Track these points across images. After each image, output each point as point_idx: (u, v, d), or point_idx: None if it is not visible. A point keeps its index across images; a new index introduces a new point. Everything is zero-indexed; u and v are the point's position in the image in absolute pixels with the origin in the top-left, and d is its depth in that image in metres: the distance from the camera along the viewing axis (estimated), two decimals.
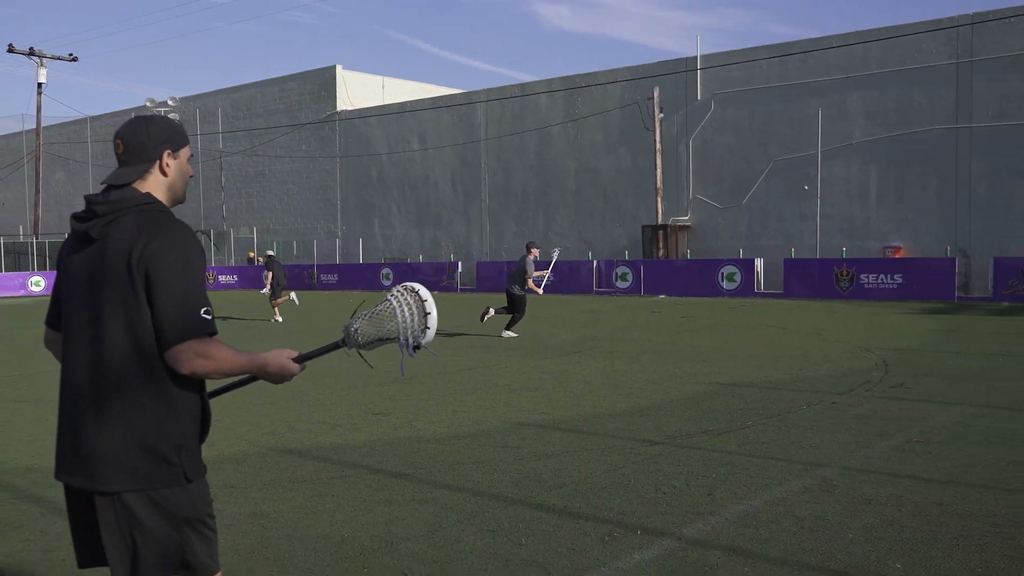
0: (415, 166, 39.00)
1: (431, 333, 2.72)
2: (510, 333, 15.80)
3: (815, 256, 27.14)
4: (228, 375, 2.53)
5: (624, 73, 32.58)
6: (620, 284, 29.47)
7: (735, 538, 4.67)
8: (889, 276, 23.86)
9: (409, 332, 2.68)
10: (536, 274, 16.09)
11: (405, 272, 35.28)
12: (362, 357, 2.90)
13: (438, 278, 34.35)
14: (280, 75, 44.53)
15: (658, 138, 30.77)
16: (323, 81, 42.17)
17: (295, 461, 6.67)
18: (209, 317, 2.47)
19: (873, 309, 20.91)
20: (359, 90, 42.28)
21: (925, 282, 23.20)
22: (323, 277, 38.37)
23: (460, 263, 34.39)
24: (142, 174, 2.59)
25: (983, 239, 25.16)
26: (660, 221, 30.76)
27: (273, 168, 44.41)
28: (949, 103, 25.66)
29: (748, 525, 4.87)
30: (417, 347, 2.71)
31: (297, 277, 37.93)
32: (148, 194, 2.56)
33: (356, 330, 2.73)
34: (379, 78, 44.14)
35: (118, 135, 2.61)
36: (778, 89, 28.94)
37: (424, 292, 2.75)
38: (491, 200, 36.81)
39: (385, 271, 36.11)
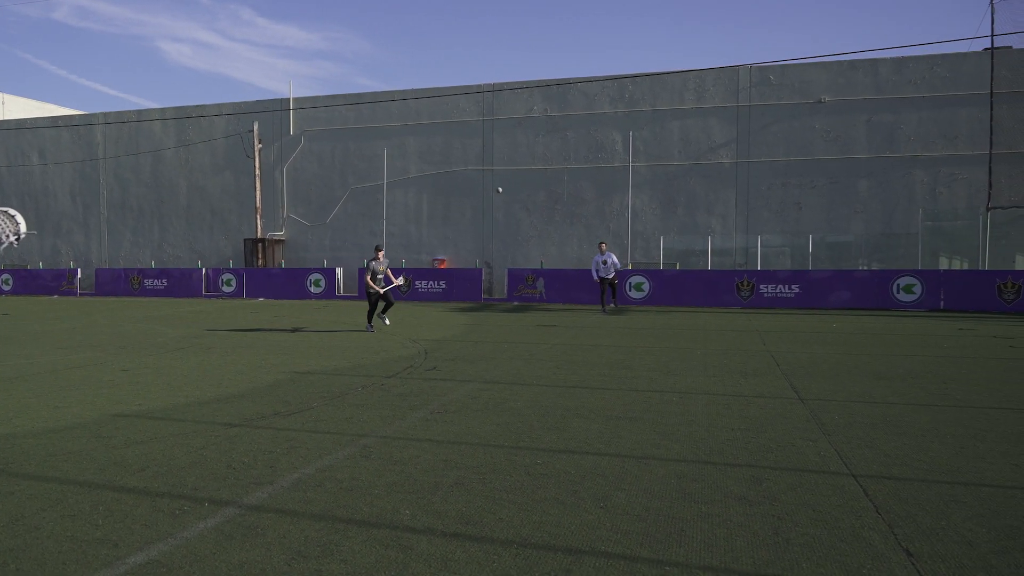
0: (35, 179, 34.16)
1: (23, 227, 2.89)
2: (386, 321, 15.68)
3: None
4: None
5: (229, 108, 31.15)
6: (225, 289, 28.15)
7: (286, 501, 4.70)
8: (436, 282, 25.33)
9: (10, 232, 2.88)
10: (383, 273, 15.16)
11: (24, 278, 31.11)
12: None
13: (58, 283, 30.52)
14: None
15: (257, 164, 29.88)
16: None
17: None
18: None
19: (424, 308, 22.06)
20: None
21: (461, 287, 24.95)
22: None
23: (80, 270, 31.15)
24: None
25: (501, 254, 27.67)
26: (259, 235, 29.88)
27: None
28: (478, 150, 27.86)
29: (299, 490, 4.93)
30: (18, 238, 2.88)
31: None
32: None
33: None
34: None
35: None
36: (354, 130, 29.43)
37: (5, 208, 2.85)
38: (109, 213, 33.25)
39: (4, 277, 31.28)
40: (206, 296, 28.16)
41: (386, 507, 4.60)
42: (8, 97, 38.86)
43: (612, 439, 6.27)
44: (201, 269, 28.95)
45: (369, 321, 15.34)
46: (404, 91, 28.71)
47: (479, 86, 27.73)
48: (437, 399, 8.01)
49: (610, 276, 19.71)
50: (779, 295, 21.70)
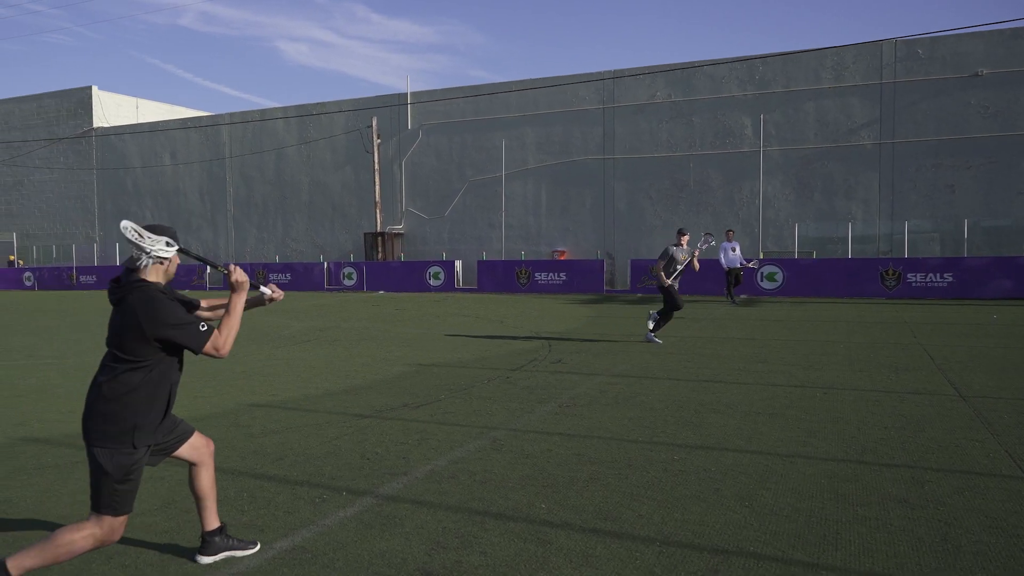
0: (167, 179, 36.69)
1: None
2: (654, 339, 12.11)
3: (501, 258, 28.29)
4: (238, 325, 3.54)
5: (348, 104, 32.25)
6: (346, 282, 29.21)
7: (422, 492, 4.80)
8: (556, 274, 25.38)
9: None
10: (683, 263, 12.00)
11: None
12: None
13: (189, 278, 32.60)
14: (38, 92, 40.90)
15: (376, 159, 30.78)
16: (79, 99, 38.91)
17: (41, 448, 6.08)
18: (205, 328, 3.40)
19: (544, 300, 22.12)
20: (114, 109, 39.57)
21: (582, 278, 24.89)
22: (82, 278, 35.58)
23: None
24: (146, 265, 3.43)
25: (623, 245, 27.39)
26: (379, 229, 30.80)
27: (32, 178, 40.49)
28: (598, 138, 27.67)
29: (433, 481, 5.03)
30: None
31: (57, 278, 35.87)
32: (141, 279, 3.40)
33: None
34: (133, 99, 41.15)
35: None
36: (472, 122, 29.83)
37: None
38: (236, 209, 35.23)
39: None
40: (328, 289, 29.30)
41: (521, 500, 4.63)
42: (142, 102, 41.67)
43: (753, 436, 6.08)
44: (323, 263, 30.14)
45: (654, 327, 12.08)
46: (522, 81, 28.85)
47: (599, 73, 27.51)
48: (565, 392, 8.00)
49: (736, 266, 19.30)
50: (929, 284, 20.50)
